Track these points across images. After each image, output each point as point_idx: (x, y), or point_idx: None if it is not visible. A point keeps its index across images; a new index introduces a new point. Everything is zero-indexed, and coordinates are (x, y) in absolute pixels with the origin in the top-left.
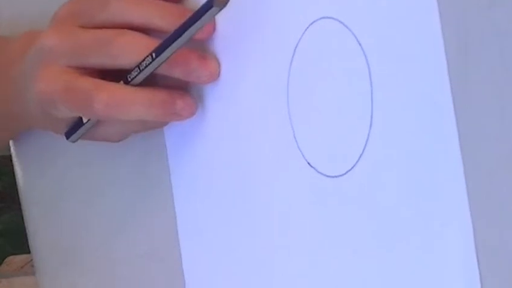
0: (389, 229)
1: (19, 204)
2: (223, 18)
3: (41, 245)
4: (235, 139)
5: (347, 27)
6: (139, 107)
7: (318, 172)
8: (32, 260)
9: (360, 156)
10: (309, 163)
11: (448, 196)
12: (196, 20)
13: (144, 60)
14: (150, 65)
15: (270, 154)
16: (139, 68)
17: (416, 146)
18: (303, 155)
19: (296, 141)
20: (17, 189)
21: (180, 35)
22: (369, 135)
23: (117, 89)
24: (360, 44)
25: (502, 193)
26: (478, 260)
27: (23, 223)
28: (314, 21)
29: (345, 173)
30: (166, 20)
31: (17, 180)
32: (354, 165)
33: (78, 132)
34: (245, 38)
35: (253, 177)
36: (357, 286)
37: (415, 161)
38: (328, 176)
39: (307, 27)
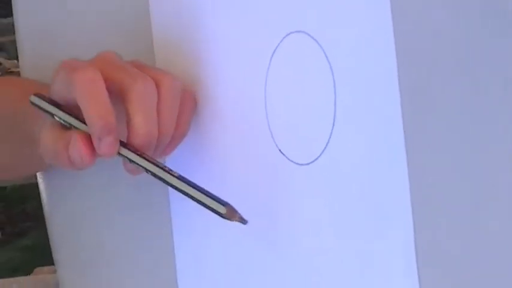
0: (344, 214)
1: (44, 223)
2: (214, 25)
3: (63, 258)
4: (219, 131)
5: (317, 42)
6: (94, 106)
7: (288, 159)
8: (56, 270)
9: (323, 150)
10: (280, 150)
11: (393, 194)
12: (203, 196)
13: (133, 155)
14: (134, 158)
15: (247, 144)
16: (126, 148)
17: (368, 147)
18: (276, 145)
19: (271, 132)
20: (42, 211)
21: (177, 184)
22: (331, 134)
23: (101, 84)
24: (326, 57)
25: (441, 195)
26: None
27: (48, 239)
28: (290, 33)
29: (310, 163)
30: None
31: (42, 203)
32: (318, 157)
33: (44, 104)
34: (232, 42)
35: (231, 163)
36: (319, 264)
37: (367, 159)
38: (296, 164)
39: (284, 37)
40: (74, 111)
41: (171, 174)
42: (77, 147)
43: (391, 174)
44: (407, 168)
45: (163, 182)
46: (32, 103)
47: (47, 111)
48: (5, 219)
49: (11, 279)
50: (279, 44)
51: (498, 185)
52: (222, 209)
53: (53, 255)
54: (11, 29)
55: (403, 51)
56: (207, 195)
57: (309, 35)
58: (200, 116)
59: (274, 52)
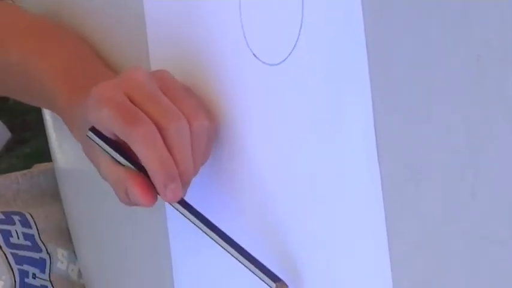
0: (312, 108)
1: (43, 133)
2: None
3: (62, 159)
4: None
5: None
6: (156, 158)
7: (261, 61)
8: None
9: (291, 51)
10: (254, 54)
11: (354, 86)
12: (253, 264)
13: (188, 210)
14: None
15: (224, 51)
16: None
17: (331, 46)
18: (250, 50)
19: (245, 38)
20: (41, 122)
21: (230, 244)
22: (298, 36)
23: (156, 133)
24: None
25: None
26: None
27: (46, 147)
28: None
29: (280, 63)
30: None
31: (43, 114)
32: (287, 57)
33: (98, 140)
34: None
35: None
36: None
37: (331, 57)
38: (268, 64)
39: None
40: (120, 141)
41: (224, 240)
42: (137, 196)
43: (352, 69)
44: (367, 61)
45: (217, 243)
46: (88, 137)
47: (101, 148)
48: (8, 129)
49: (11, 176)
50: None
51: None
52: (272, 284)
53: (52, 156)
54: None
55: None
56: (260, 268)
57: None
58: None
59: None
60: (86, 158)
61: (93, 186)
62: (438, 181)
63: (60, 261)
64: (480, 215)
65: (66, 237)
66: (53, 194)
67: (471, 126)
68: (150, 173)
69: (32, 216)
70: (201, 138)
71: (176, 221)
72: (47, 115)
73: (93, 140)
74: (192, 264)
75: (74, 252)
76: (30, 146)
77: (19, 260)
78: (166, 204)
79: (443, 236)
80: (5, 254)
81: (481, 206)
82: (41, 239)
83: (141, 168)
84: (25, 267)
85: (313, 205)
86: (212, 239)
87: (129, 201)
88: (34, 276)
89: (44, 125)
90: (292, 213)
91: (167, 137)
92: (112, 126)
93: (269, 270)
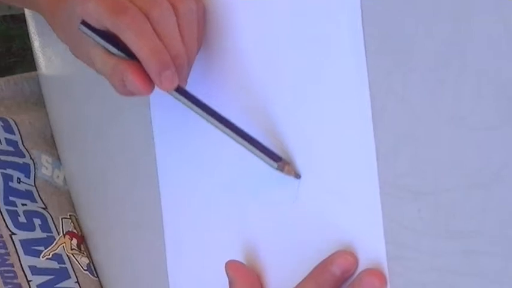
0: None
1: (27, 60)
2: None
3: (45, 66)
4: None
5: None
6: (146, 45)
7: None
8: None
9: None
10: None
11: None
12: (256, 147)
13: (189, 97)
14: (186, 100)
15: None
16: (178, 91)
17: None
18: None
19: None
20: (26, 50)
21: (230, 127)
22: None
23: (145, 21)
24: None
25: None
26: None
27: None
28: None
29: None
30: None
31: (31, 37)
32: None
33: (90, 32)
34: None
35: None
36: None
37: None
38: None
39: None
40: (112, 33)
41: (227, 126)
42: (134, 85)
43: None
44: None
45: (218, 128)
46: (81, 30)
47: (95, 40)
48: None
49: None
50: None
51: None
52: (273, 164)
53: (37, 69)
54: None
55: None
56: (262, 150)
57: None
58: None
59: None
60: (69, 63)
61: (77, 92)
62: (424, 68)
63: (45, 167)
64: (468, 101)
65: (50, 144)
66: (36, 101)
67: (457, 17)
68: (143, 63)
69: (15, 122)
70: (189, 21)
71: (161, 120)
72: (30, 20)
73: (86, 34)
74: (177, 163)
75: (59, 158)
76: (16, 73)
77: (2, 164)
78: (152, 110)
79: (429, 125)
80: None
81: (467, 91)
82: (24, 145)
83: (135, 58)
84: (8, 171)
85: (303, 86)
86: (213, 124)
87: (125, 91)
88: (19, 180)
89: (30, 43)
90: (284, 94)
91: (153, 23)
92: (100, 17)
93: (270, 150)
